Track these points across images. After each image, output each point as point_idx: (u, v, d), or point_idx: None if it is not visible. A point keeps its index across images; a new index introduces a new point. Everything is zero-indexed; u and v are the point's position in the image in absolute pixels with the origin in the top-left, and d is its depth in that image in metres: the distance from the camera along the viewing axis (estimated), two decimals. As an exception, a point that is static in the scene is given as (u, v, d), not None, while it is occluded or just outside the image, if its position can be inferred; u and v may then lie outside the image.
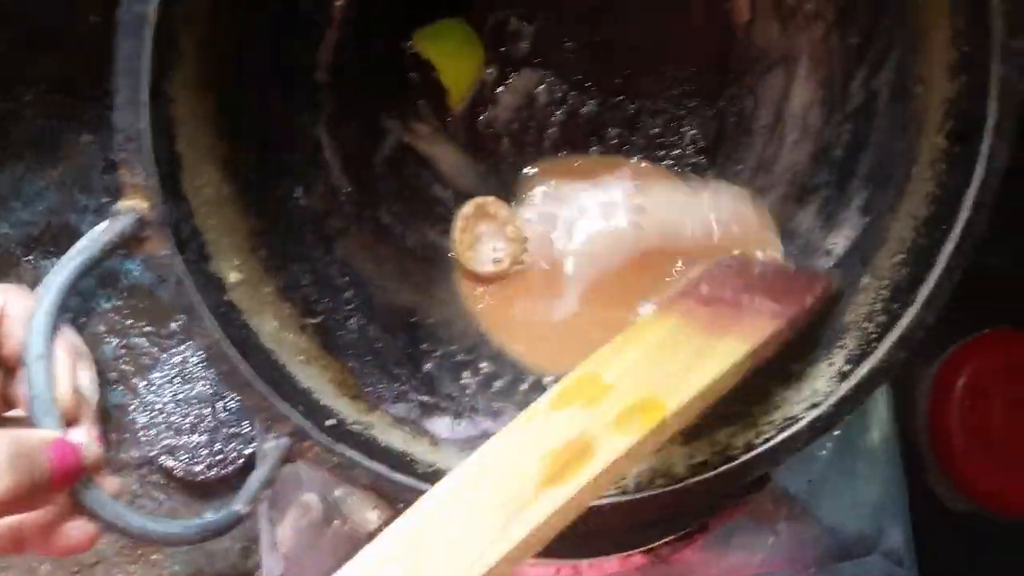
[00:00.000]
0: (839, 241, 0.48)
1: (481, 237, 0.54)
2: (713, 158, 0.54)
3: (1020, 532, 0.61)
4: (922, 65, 0.43)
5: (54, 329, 0.35)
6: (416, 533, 0.35)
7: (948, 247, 0.42)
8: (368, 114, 0.52)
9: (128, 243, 0.39)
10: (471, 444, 0.48)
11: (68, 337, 0.35)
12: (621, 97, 0.54)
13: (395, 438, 0.46)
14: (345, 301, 0.50)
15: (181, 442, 0.64)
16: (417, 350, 0.51)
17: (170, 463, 0.64)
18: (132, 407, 0.65)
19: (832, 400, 0.45)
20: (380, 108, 0.53)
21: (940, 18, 0.42)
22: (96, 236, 0.38)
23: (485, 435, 0.49)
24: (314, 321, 0.48)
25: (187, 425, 0.64)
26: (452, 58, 0.51)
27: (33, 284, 0.64)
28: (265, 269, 0.47)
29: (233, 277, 0.44)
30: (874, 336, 0.45)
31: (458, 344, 0.52)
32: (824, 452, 0.55)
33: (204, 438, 0.63)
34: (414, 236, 0.54)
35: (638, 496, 0.47)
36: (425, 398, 0.49)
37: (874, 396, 0.56)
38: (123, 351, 0.66)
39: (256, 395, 0.43)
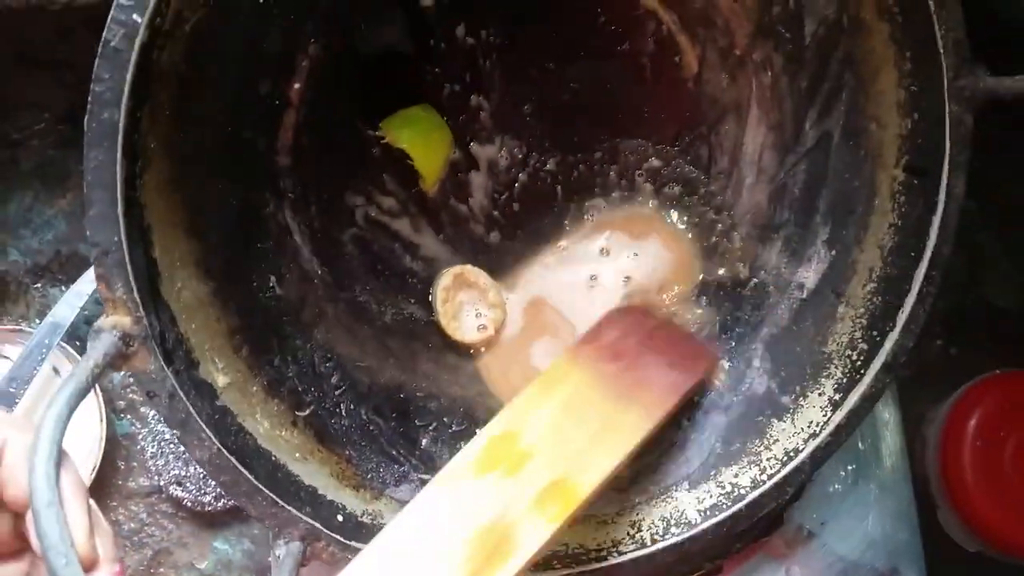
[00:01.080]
0: (809, 275, 0.49)
1: (463, 305, 0.54)
2: (673, 203, 0.55)
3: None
4: (873, 105, 0.45)
5: (58, 469, 0.32)
6: None
7: (919, 274, 0.45)
8: (332, 193, 0.51)
9: (114, 362, 0.37)
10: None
11: (72, 470, 0.33)
12: (579, 154, 0.54)
13: (405, 524, 0.45)
14: (332, 387, 0.49)
15: (190, 472, 0.62)
16: (411, 427, 0.50)
17: (179, 493, 0.62)
18: (140, 436, 0.64)
19: (829, 429, 0.47)
20: (344, 186, 0.52)
21: (887, 61, 0.44)
22: (84, 363, 0.36)
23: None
24: (304, 414, 0.47)
25: None
26: (422, 144, 0.51)
27: (41, 313, 0.65)
28: (250, 367, 0.45)
29: (222, 380, 0.43)
30: (859, 363, 0.47)
31: (449, 416, 0.51)
32: (838, 488, 0.56)
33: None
34: (391, 312, 0.53)
35: (656, 548, 0.48)
36: (427, 475, 0.48)
37: (887, 435, 0.58)
38: (131, 380, 0.64)
39: (262, 503, 0.41)
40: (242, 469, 0.40)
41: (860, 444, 0.57)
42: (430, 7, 0.50)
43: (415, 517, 0.38)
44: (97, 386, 0.60)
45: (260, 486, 0.41)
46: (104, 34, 0.35)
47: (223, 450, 0.40)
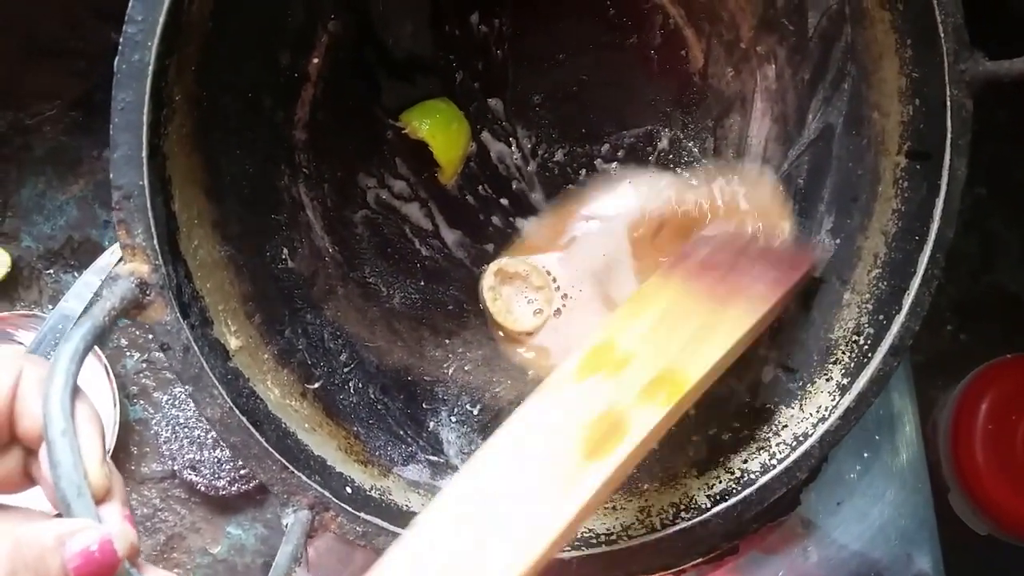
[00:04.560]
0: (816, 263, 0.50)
1: (512, 297, 0.54)
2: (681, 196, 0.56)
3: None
4: (875, 93, 0.47)
5: (72, 399, 0.31)
6: (469, 507, 0.35)
7: (923, 258, 0.46)
8: (345, 172, 0.52)
9: (129, 309, 0.37)
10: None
11: (87, 403, 0.32)
12: (587, 144, 0.55)
13: (414, 501, 0.44)
14: (341, 364, 0.48)
15: (203, 456, 0.60)
16: (418, 409, 0.49)
17: (192, 477, 0.61)
18: (154, 421, 0.63)
19: (838, 413, 0.47)
20: (357, 166, 0.52)
21: (889, 49, 0.46)
22: (100, 303, 0.35)
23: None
24: (314, 387, 0.46)
25: (209, 440, 0.61)
26: (442, 136, 0.52)
27: (54, 299, 0.64)
28: (261, 335, 0.45)
29: (234, 343, 0.42)
30: (866, 347, 0.47)
31: (456, 402, 0.51)
32: (853, 475, 0.56)
33: (227, 453, 0.60)
34: (399, 295, 0.53)
35: (666, 533, 0.47)
36: (434, 458, 0.48)
37: (902, 423, 0.58)
38: (144, 365, 0.64)
39: (272, 467, 0.40)
40: (253, 431, 0.39)
41: (876, 436, 0.57)
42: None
43: (527, 416, 0.39)
44: (111, 372, 0.60)
45: (271, 449, 0.40)
46: (140, -23, 0.35)
47: (235, 409, 0.39)
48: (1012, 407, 0.59)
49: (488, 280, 0.53)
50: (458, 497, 0.35)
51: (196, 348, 0.38)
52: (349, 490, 0.42)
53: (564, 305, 0.54)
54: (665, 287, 0.46)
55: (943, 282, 0.45)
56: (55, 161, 0.65)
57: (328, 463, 0.42)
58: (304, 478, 0.40)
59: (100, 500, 0.31)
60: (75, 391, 0.32)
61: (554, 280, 0.54)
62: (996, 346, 0.63)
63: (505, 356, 0.53)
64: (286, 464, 0.39)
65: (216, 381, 0.38)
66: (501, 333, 0.53)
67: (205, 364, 0.38)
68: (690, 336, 0.43)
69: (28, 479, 0.33)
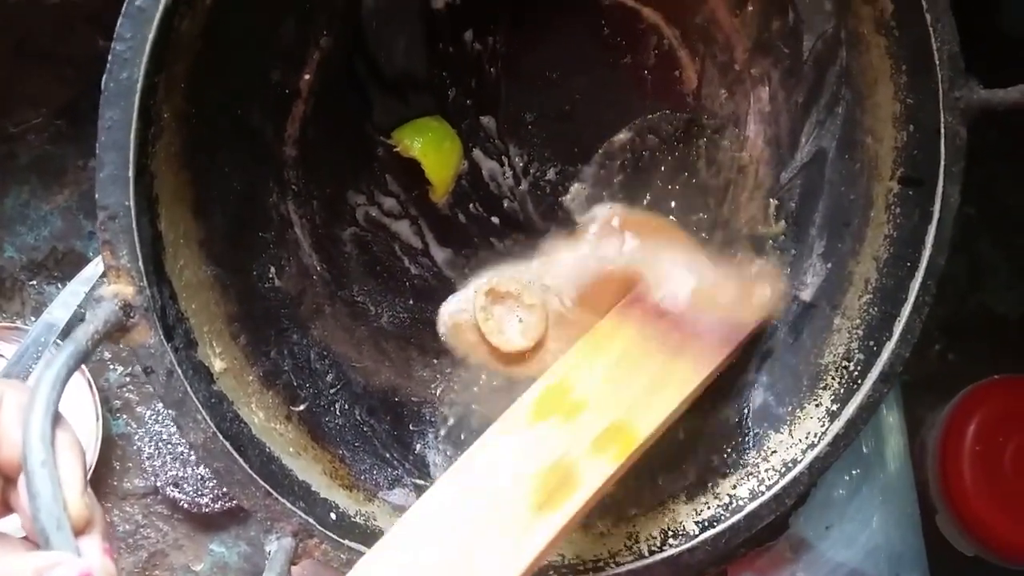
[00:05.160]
0: (805, 287, 0.50)
1: (503, 317, 0.53)
2: (669, 215, 0.55)
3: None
4: (869, 118, 0.47)
5: (53, 428, 0.30)
6: (413, 556, 0.35)
7: (915, 284, 0.45)
8: (335, 189, 0.51)
9: (113, 332, 0.36)
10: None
11: (68, 430, 0.31)
12: (579, 164, 0.55)
13: (399, 526, 0.43)
14: (327, 385, 0.48)
15: (187, 473, 0.59)
16: (405, 431, 0.49)
17: (175, 494, 0.59)
18: (137, 436, 0.61)
19: (827, 439, 0.47)
20: (347, 183, 0.51)
21: (884, 75, 0.46)
22: (83, 327, 0.35)
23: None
24: (299, 409, 0.45)
25: (193, 456, 0.59)
26: (434, 154, 0.51)
27: (37, 310, 0.63)
28: (246, 356, 0.44)
29: (218, 365, 0.41)
30: (856, 374, 0.47)
31: (443, 423, 0.50)
32: (842, 493, 0.56)
33: (210, 469, 0.59)
34: (387, 314, 0.52)
35: (653, 559, 0.46)
36: (420, 481, 0.47)
37: (891, 440, 0.58)
38: (128, 379, 0.63)
39: (256, 493, 0.40)
40: (237, 456, 0.39)
41: (864, 449, 0.57)
42: (441, 9, 0.50)
43: (477, 459, 0.39)
44: (93, 385, 0.59)
45: (254, 475, 0.39)
46: (129, -6, 0.35)
47: (218, 434, 0.38)
48: (1000, 428, 0.59)
49: (479, 301, 0.52)
50: (402, 543, 0.35)
51: (180, 371, 0.37)
52: (334, 516, 0.41)
53: (554, 322, 0.54)
54: (620, 329, 0.47)
55: (931, 302, 0.45)
56: (39, 170, 0.64)
57: (313, 488, 0.41)
58: (288, 504, 0.39)
59: (80, 532, 0.30)
60: (56, 418, 0.32)
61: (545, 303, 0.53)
62: (984, 366, 0.63)
63: (494, 376, 0.53)
64: (270, 490, 0.39)
65: (200, 405, 0.37)
66: (491, 353, 0.53)
67: (189, 388, 0.37)
68: (643, 388, 0.43)
69: (6, 507, 0.33)
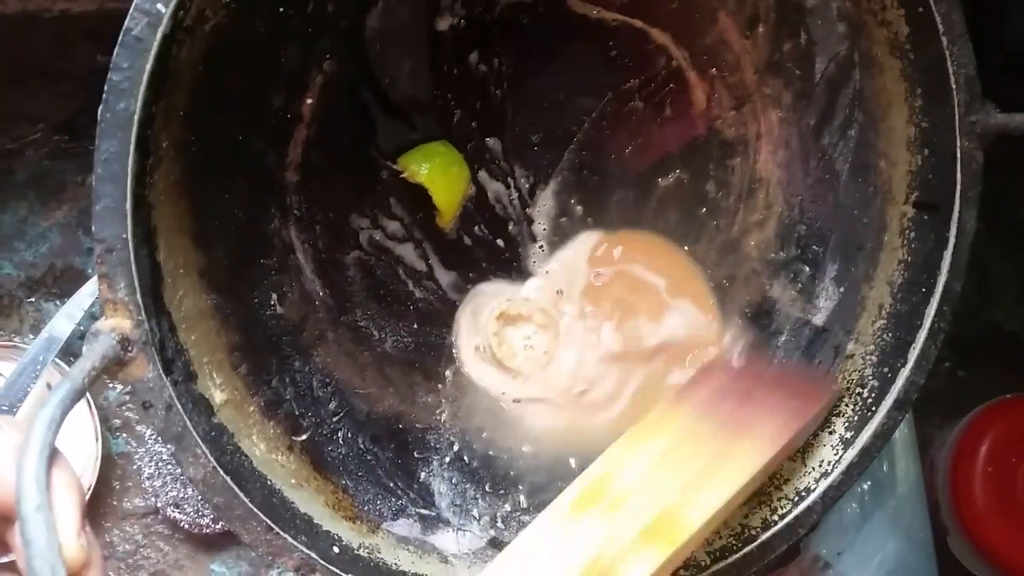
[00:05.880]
0: (818, 312, 0.49)
1: (515, 341, 0.53)
2: (679, 238, 0.55)
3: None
4: (883, 142, 0.46)
5: (48, 469, 0.30)
6: None
7: (930, 310, 0.45)
8: (338, 214, 0.50)
9: (110, 367, 0.35)
10: (481, 557, 0.45)
11: (65, 468, 0.30)
12: (586, 185, 0.54)
13: (403, 559, 0.43)
14: (330, 413, 0.47)
15: (187, 494, 0.59)
16: (409, 459, 0.48)
17: (176, 515, 0.59)
18: (137, 456, 0.61)
19: (841, 468, 0.46)
20: (350, 207, 0.51)
21: (898, 98, 0.45)
22: (79, 364, 0.34)
23: (492, 544, 0.46)
24: (301, 439, 0.45)
25: None
26: (441, 180, 0.51)
27: (35, 328, 0.62)
28: (247, 386, 0.43)
29: (219, 397, 0.41)
30: (870, 401, 0.46)
31: (448, 450, 0.49)
32: (854, 514, 0.55)
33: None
34: (391, 339, 0.51)
35: (664, 592, 0.46)
36: (424, 511, 0.46)
37: (901, 463, 0.57)
38: (127, 397, 0.63)
39: (256, 528, 0.39)
40: (237, 491, 0.38)
41: (876, 471, 0.56)
42: (445, 31, 0.50)
43: (517, 557, 0.37)
44: (92, 404, 0.58)
45: (255, 510, 0.38)
46: (126, 23, 0.34)
47: (219, 469, 0.37)
48: (1012, 449, 0.58)
49: (490, 327, 0.52)
50: None
51: (179, 405, 0.36)
52: (336, 549, 0.40)
53: (563, 339, 0.53)
54: (671, 419, 0.44)
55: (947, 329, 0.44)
56: (38, 186, 0.63)
57: (315, 521, 0.40)
58: (290, 539, 0.38)
59: (78, 573, 0.30)
60: (52, 458, 0.31)
61: (558, 319, 0.53)
62: (994, 385, 0.63)
63: (501, 399, 0.52)
64: (271, 525, 0.38)
65: (199, 439, 0.37)
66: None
67: (188, 422, 0.37)
68: (694, 476, 0.40)
69: (5, 546, 0.32)
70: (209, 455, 0.37)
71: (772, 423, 0.42)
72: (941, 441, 0.62)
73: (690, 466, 0.40)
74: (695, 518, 0.38)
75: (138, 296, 0.36)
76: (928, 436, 0.63)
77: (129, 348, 0.36)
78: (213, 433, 0.38)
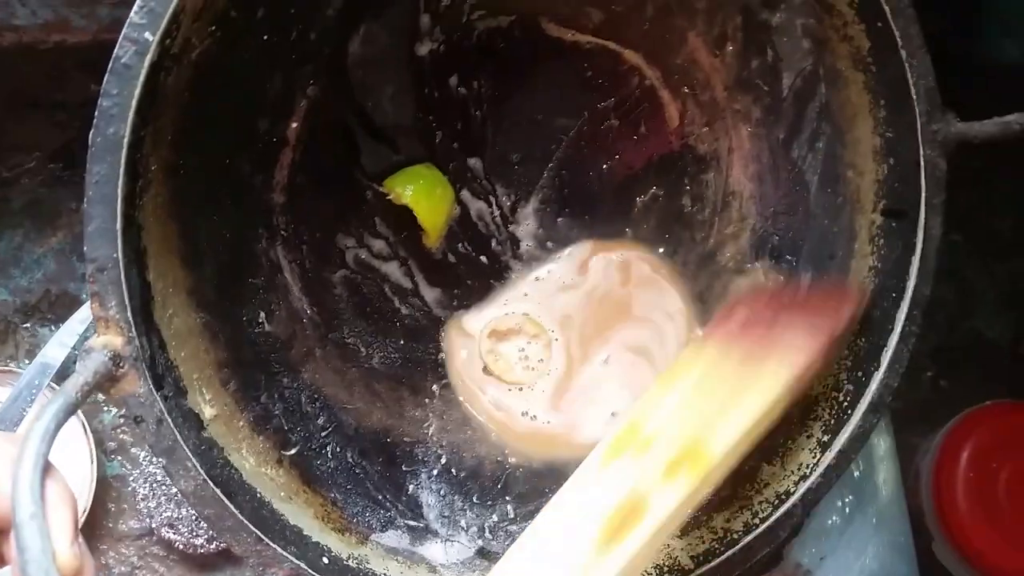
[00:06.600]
0: (793, 320, 0.50)
1: (510, 355, 0.54)
2: (658, 251, 0.56)
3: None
4: (850, 153, 0.47)
5: (43, 479, 0.31)
6: None
7: (900, 315, 0.46)
8: (324, 233, 0.52)
9: (103, 383, 0.36)
10: (469, 567, 0.46)
11: (59, 480, 0.31)
12: (565, 202, 0.55)
13: (392, 570, 0.43)
14: (318, 428, 0.48)
15: (182, 514, 0.59)
16: (398, 472, 0.49)
17: (170, 535, 0.59)
18: (131, 478, 0.61)
19: (819, 470, 0.47)
20: (336, 227, 0.52)
21: (863, 110, 0.46)
22: (72, 379, 0.35)
23: (480, 554, 0.47)
24: (290, 453, 0.46)
25: None
26: (426, 201, 0.52)
27: (31, 353, 0.64)
28: (236, 402, 0.44)
29: (208, 412, 0.42)
30: (846, 404, 0.47)
31: (436, 462, 0.50)
32: (835, 521, 0.55)
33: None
34: (378, 355, 0.52)
35: (648, 596, 0.46)
36: (413, 522, 0.47)
37: (882, 468, 0.58)
38: (122, 420, 0.63)
39: (247, 539, 0.40)
40: (227, 503, 0.39)
41: (856, 475, 0.57)
42: (425, 56, 0.51)
43: (551, 510, 0.38)
44: (87, 427, 0.59)
45: (245, 521, 0.39)
46: (115, 51, 0.35)
47: (209, 481, 0.38)
48: (993, 455, 0.59)
49: (484, 345, 0.53)
50: None
51: (170, 420, 0.37)
52: (326, 560, 0.41)
53: (556, 348, 0.54)
54: (698, 356, 0.44)
55: (922, 329, 0.45)
56: (33, 213, 0.65)
57: (304, 533, 0.41)
58: (279, 549, 0.39)
59: (73, 579, 0.31)
60: (46, 469, 0.32)
61: (550, 331, 0.54)
62: (976, 392, 0.63)
63: (444, 408, 0.53)
64: (261, 535, 0.39)
65: (190, 453, 0.38)
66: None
67: (179, 436, 0.38)
68: (719, 403, 0.40)
69: (0, 558, 0.33)
70: (199, 468, 0.38)
71: (794, 344, 0.42)
72: (925, 449, 0.63)
73: (715, 397, 0.41)
74: (720, 445, 0.39)
75: (129, 314, 0.37)
76: (912, 445, 0.64)
77: (120, 364, 0.37)
78: (203, 447, 0.39)
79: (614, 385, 0.53)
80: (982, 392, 0.63)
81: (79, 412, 0.59)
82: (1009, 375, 0.66)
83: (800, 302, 0.48)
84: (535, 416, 0.53)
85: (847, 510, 0.55)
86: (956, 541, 0.58)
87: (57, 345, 0.59)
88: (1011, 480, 0.58)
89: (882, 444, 0.58)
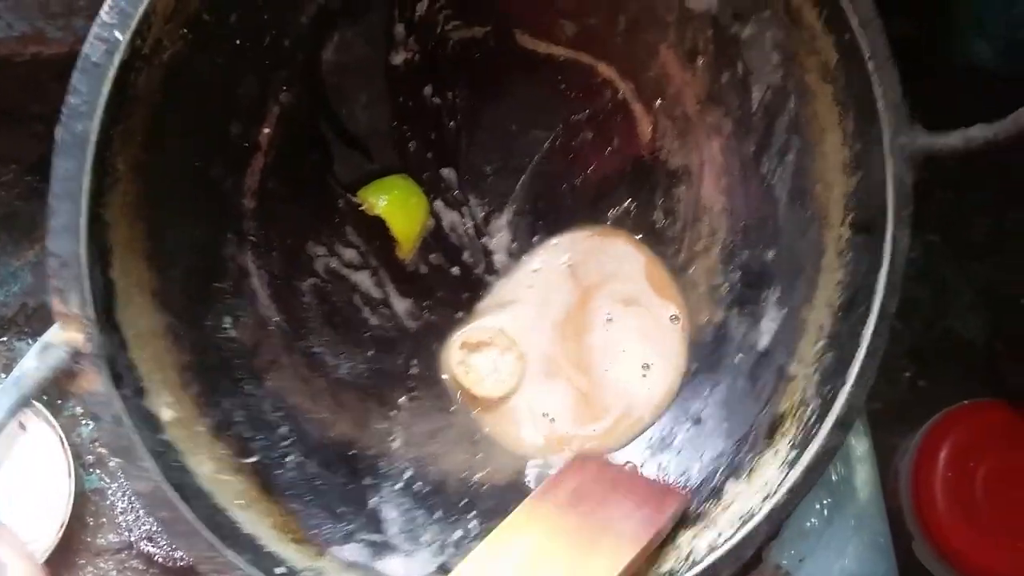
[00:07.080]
0: (762, 335, 0.50)
1: (481, 367, 0.53)
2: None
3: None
4: (819, 166, 0.48)
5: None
6: None
7: (867, 330, 0.46)
8: (295, 240, 0.51)
9: (60, 378, 0.36)
10: (429, 582, 0.45)
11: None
12: (539, 218, 0.56)
13: (351, 583, 0.43)
14: (280, 437, 0.47)
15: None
16: (359, 485, 0.48)
17: (150, 549, 0.58)
18: (110, 491, 0.60)
19: (785, 488, 0.46)
20: (307, 235, 0.52)
21: (831, 123, 0.47)
22: (27, 372, 0.35)
23: (441, 570, 0.46)
24: (250, 461, 0.45)
25: None
26: (400, 212, 0.52)
27: (7, 367, 0.62)
28: (198, 406, 0.43)
29: (167, 415, 0.41)
30: (812, 420, 0.47)
31: (399, 476, 0.50)
32: (814, 523, 0.55)
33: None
34: (346, 366, 0.52)
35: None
36: (374, 536, 0.46)
37: (860, 469, 0.57)
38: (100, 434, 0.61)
39: (200, 545, 0.39)
40: (182, 507, 0.38)
41: (834, 477, 0.56)
42: (400, 65, 0.52)
43: None
44: (65, 441, 0.57)
45: (198, 527, 0.38)
46: (84, 49, 0.36)
47: (164, 484, 0.38)
48: (971, 454, 0.59)
49: (455, 356, 0.53)
50: None
51: (128, 419, 0.37)
52: (282, 570, 0.40)
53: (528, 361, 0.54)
54: (533, 521, 0.45)
55: (899, 329, 0.45)
56: (9, 227, 0.64)
57: (260, 542, 0.40)
58: (232, 557, 0.38)
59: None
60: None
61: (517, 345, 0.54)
62: (953, 392, 0.64)
63: (455, 426, 0.53)
64: (214, 543, 0.38)
65: (147, 453, 0.37)
66: (475, 404, 0.53)
67: (136, 436, 0.37)
68: (563, 570, 0.41)
69: None
70: (156, 469, 0.38)
71: (625, 528, 0.44)
72: (904, 449, 0.63)
73: (560, 560, 0.42)
74: None
75: (89, 310, 0.37)
76: (891, 445, 0.64)
77: (79, 361, 0.36)
78: (160, 449, 0.38)
79: (632, 337, 0.54)
80: (960, 391, 0.63)
81: (56, 426, 0.58)
82: (986, 374, 0.67)
83: (627, 485, 0.48)
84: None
85: (826, 512, 0.54)
86: (935, 540, 0.59)
87: (32, 357, 0.59)
88: (988, 479, 0.59)
89: (860, 445, 0.57)
